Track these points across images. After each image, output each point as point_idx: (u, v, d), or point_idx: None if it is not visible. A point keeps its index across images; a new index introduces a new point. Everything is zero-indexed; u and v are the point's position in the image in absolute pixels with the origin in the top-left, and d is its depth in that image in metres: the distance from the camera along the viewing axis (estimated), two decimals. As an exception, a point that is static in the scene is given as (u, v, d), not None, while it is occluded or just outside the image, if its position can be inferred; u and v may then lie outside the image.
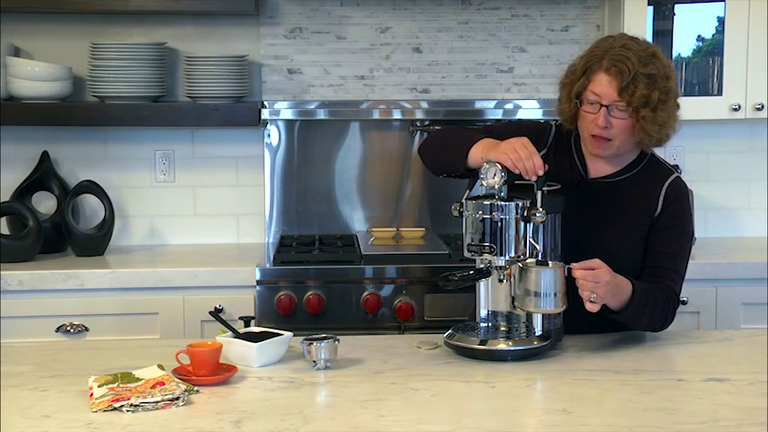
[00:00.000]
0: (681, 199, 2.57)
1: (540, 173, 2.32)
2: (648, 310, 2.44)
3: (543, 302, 2.30)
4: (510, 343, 2.33)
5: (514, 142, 2.36)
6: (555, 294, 2.30)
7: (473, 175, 2.45)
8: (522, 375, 2.21)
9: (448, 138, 2.61)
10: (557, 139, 2.65)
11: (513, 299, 2.39)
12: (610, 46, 2.48)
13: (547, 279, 2.29)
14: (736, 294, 3.43)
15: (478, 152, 2.41)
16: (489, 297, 2.43)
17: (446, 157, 2.54)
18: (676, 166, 3.68)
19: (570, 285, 2.33)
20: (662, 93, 2.45)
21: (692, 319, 3.41)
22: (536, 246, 2.35)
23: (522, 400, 2.09)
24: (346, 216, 3.93)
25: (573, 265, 2.32)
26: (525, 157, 2.32)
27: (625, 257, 2.48)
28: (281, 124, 3.87)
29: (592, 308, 2.31)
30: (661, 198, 2.54)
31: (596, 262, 2.34)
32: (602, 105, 2.46)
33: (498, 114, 3.85)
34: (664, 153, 3.95)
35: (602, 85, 2.45)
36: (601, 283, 2.31)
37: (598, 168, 2.60)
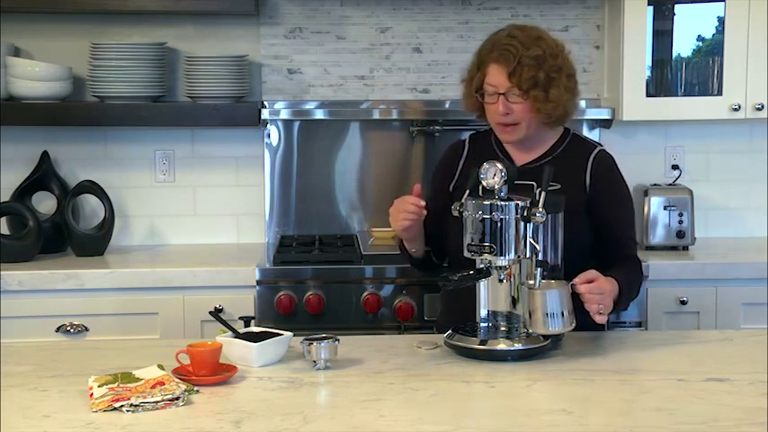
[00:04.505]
0: (609, 169, 2.68)
1: (422, 204, 2.52)
2: (633, 292, 2.56)
3: (552, 323, 2.30)
4: (510, 343, 2.33)
5: (391, 213, 2.58)
6: (562, 314, 2.30)
7: (434, 257, 2.75)
8: (522, 375, 2.21)
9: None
10: (472, 146, 2.77)
11: (513, 299, 2.39)
12: (498, 38, 2.61)
13: (553, 299, 2.30)
14: (736, 294, 3.43)
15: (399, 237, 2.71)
16: (489, 297, 2.43)
17: (407, 259, 2.78)
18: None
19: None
20: (551, 71, 2.56)
21: (692, 319, 3.41)
22: (536, 246, 2.35)
23: (522, 400, 2.09)
24: (346, 216, 3.93)
25: (575, 280, 2.35)
26: (402, 209, 2.54)
27: (570, 236, 2.49)
28: (281, 124, 3.87)
29: (602, 320, 2.35)
30: (588, 172, 2.64)
31: (592, 273, 2.38)
32: (499, 94, 2.56)
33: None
34: (663, 153, 3.96)
35: (495, 75, 2.58)
36: (605, 294, 2.37)
37: (522, 156, 2.68)
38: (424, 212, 2.55)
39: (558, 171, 2.52)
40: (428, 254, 2.75)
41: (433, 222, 2.64)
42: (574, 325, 2.33)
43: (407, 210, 2.54)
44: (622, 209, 2.69)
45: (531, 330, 2.33)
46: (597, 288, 2.36)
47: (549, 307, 2.29)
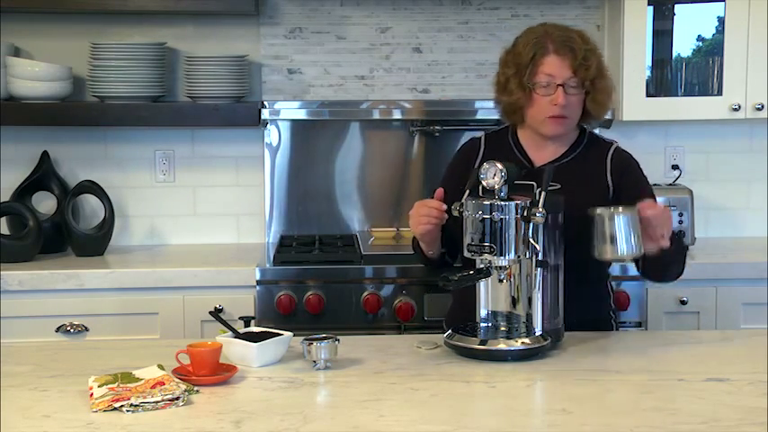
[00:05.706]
0: (628, 164, 2.67)
1: (444, 207, 2.47)
2: (682, 251, 2.59)
3: (621, 248, 2.30)
4: (510, 343, 2.33)
5: (411, 216, 2.54)
6: (632, 238, 2.30)
7: (448, 254, 2.69)
8: (522, 375, 2.21)
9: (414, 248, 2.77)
10: (488, 146, 2.73)
11: (513, 299, 2.39)
12: (545, 32, 2.59)
13: (624, 223, 2.29)
14: (736, 294, 3.43)
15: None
16: (489, 297, 2.43)
17: (421, 259, 2.73)
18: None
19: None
20: (601, 65, 2.61)
21: (692, 319, 3.41)
22: (536, 246, 2.35)
23: (522, 400, 2.09)
24: (346, 216, 3.93)
25: (639, 206, 2.35)
26: (424, 214, 2.50)
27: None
28: (281, 124, 3.87)
29: (665, 244, 2.37)
30: (608, 171, 2.63)
31: (650, 201, 2.41)
32: (558, 85, 2.54)
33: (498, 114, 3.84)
34: (663, 153, 3.96)
35: (555, 66, 2.55)
36: (667, 219, 2.39)
37: (541, 156, 2.66)
38: (446, 217, 2.50)
39: (579, 172, 2.54)
40: (442, 254, 2.72)
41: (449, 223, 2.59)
42: (643, 251, 2.33)
43: (430, 214, 2.50)
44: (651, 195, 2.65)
45: (598, 256, 2.33)
46: (661, 214, 2.37)
47: (619, 231, 2.28)
